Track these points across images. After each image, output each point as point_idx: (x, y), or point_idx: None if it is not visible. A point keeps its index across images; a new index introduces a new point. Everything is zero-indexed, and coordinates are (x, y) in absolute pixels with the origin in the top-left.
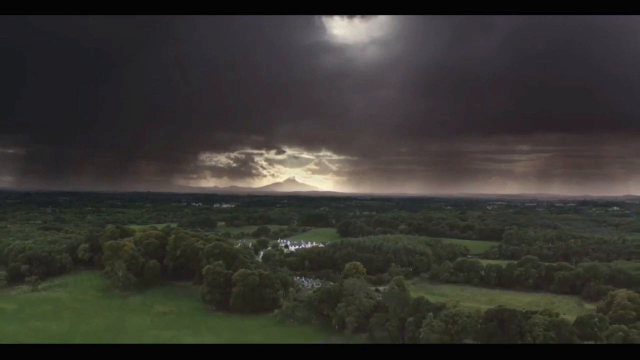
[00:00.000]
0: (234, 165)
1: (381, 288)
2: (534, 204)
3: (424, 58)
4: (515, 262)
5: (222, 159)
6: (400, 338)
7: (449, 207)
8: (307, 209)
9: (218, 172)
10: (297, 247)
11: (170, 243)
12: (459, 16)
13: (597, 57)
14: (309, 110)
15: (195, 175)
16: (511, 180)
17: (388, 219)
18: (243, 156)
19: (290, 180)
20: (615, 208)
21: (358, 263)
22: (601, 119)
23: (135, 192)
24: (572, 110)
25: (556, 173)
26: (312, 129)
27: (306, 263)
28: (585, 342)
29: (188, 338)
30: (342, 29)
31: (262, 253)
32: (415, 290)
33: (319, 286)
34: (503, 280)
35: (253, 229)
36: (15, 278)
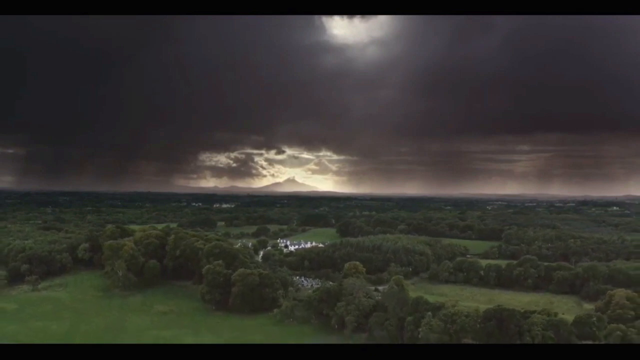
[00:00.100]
0: (234, 165)
1: (380, 288)
2: (534, 204)
3: (424, 58)
4: (515, 262)
5: (222, 159)
6: (399, 337)
7: (448, 207)
8: (307, 209)
9: (218, 172)
10: (296, 247)
11: (170, 243)
12: (459, 16)
13: (597, 57)
14: (309, 110)
15: (195, 175)
16: (511, 180)
17: (388, 219)
18: (243, 156)
19: (290, 180)
20: (614, 208)
21: (357, 263)
22: (601, 119)
23: (135, 192)
24: (572, 110)
25: (556, 173)
26: (312, 129)
27: (306, 263)
28: (584, 342)
29: (188, 338)
30: (342, 29)
31: (261, 253)
32: (415, 290)
33: (318, 286)
34: (502, 280)
35: (253, 229)
36: (16, 278)
